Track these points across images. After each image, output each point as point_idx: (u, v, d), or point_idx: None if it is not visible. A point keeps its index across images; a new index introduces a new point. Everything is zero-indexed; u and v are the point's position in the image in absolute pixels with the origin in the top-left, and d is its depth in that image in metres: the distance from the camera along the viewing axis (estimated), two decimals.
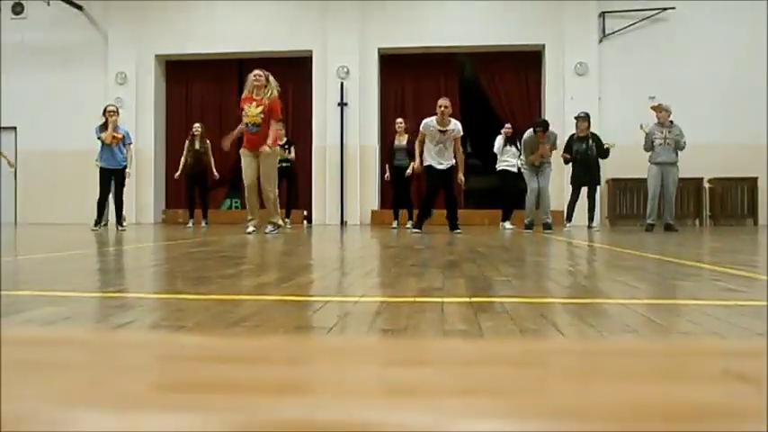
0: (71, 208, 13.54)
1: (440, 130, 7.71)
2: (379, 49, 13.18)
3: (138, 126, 13.26)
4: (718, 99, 12.25)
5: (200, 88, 14.25)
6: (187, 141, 11.17)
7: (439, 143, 7.73)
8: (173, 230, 8.84)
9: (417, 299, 1.89)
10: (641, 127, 9.31)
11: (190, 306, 1.77)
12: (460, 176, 7.93)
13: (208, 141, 10.97)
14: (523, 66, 13.34)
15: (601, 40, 12.69)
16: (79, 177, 13.23)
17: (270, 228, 7.23)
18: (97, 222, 8.95)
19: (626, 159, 11.45)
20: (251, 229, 7.22)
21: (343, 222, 12.95)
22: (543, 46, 12.87)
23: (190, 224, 10.93)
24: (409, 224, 9.73)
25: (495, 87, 13.35)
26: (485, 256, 3.66)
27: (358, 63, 13.08)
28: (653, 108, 9.08)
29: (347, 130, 13.08)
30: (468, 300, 1.86)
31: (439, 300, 1.86)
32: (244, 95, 7.38)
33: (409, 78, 13.55)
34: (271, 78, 7.32)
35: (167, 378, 0.57)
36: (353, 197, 13.05)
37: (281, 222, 7.43)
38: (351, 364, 0.63)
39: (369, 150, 13.11)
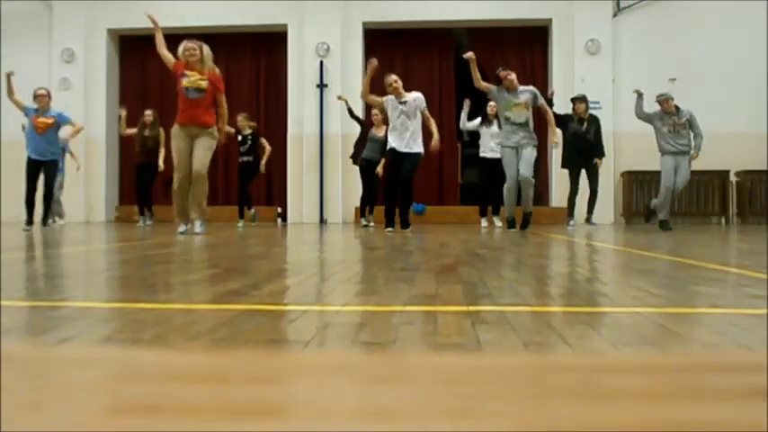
0: (7, 204, 13.40)
1: (399, 102, 7.64)
2: (363, 23, 13.16)
3: (87, 111, 13.16)
4: (747, 83, 12.35)
5: (158, 68, 14.12)
6: (137, 129, 11.05)
7: (401, 115, 7.61)
8: (127, 230, 8.79)
9: (407, 308, 1.89)
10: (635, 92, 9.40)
11: (147, 317, 1.76)
12: (435, 139, 7.81)
13: (161, 129, 10.90)
14: (528, 43, 13.39)
15: (615, 15, 12.76)
16: (17, 169, 13.10)
17: (198, 226, 6.98)
18: (28, 222, 8.79)
19: (643, 150, 11.52)
20: (182, 228, 6.97)
21: (322, 221, 12.94)
22: (550, 21, 12.92)
23: (141, 222, 10.83)
24: (363, 221, 10.01)
25: (497, 67, 13.37)
26: (483, 259, 3.67)
27: (339, 39, 13.05)
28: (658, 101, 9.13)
29: (327, 116, 13.06)
30: (464, 309, 1.86)
31: (432, 309, 1.86)
32: (175, 62, 7.06)
33: (399, 56, 13.54)
34: (205, 50, 6.96)
35: (120, 400, 0.56)
36: (335, 192, 13.04)
37: (207, 217, 7.21)
38: (330, 382, 0.63)
39: (352, 139, 13.08)
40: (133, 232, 7.99)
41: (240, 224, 10.49)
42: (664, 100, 9.01)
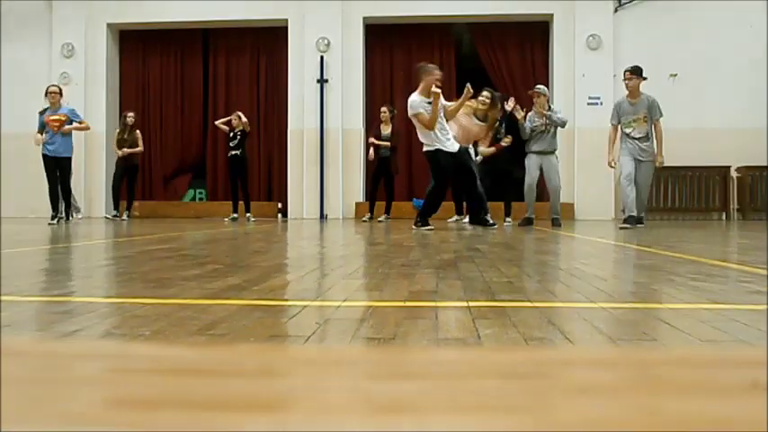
0: (12, 198, 13.40)
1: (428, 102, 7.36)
2: (364, 18, 13.14)
3: (87, 105, 13.15)
4: (749, 78, 12.32)
5: (158, 62, 14.15)
6: (117, 130, 11.69)
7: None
8: (127, 225, 8.80)
9: (408, 303, 1.89)
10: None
11: (147, 312, 1.76)
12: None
13: (138, 132, 11.49)
14: (529, 38, 13.36)
15: (616, 10, 12.73)
16: (19, 163, 13.11)
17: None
18: (54, 216, 9.11)
19: None
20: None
21: (323, 216, 12.94)
22: (551, 16, 12.90)
23: (114, 214, 11.25)
24: (382, 217, 10.28)
25: (497, 62, 13.36)
26: (484, 255, 3.67)
27: (340, 34, 13.03)
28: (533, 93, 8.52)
29: (328, 111, 13.05)
30: (465, 304, 1.87)
31: (432, 304, 1.87)
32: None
33: (399, 52, 13.52)
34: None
35: (120, 393, 0.56)
36: (335, 188, 13.03)
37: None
38: (331, 377, 0.63)
39: (353, 134, 13.09)
40: (134, 228, 7.99)
41: (231, 217, 11.04)
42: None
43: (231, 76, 14.02)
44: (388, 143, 10.34)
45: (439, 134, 7.27)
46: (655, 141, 7.81)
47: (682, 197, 12.19)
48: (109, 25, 13.65)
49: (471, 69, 13.86)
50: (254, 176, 13.27)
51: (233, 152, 11.13)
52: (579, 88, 12.34)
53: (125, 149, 11.21)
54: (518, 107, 8.41)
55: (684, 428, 0.47)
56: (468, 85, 7.37)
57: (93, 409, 0.52)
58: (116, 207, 11.36)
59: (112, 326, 1.57)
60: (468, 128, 8.46)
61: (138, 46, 14.09)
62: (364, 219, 10.65)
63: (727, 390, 0.59)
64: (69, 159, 9.20)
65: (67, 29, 13.48)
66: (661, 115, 7.81)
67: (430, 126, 7.21)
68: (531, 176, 8.46)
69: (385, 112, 10.42)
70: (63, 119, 8.96)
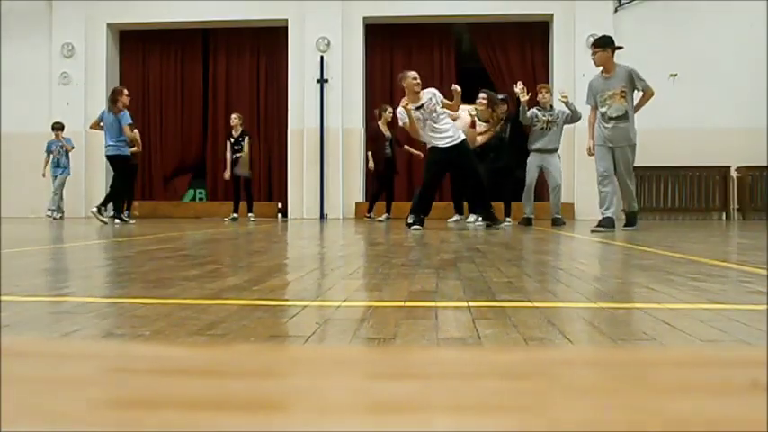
0: (12, 198, 13.40)
1: (416, 107, 7.34)
2: (364, 18, 13.14)
3: (87, 105, 13.17)
4: (750, 78, 12.32)
5: (158, 62, 14.15)
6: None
7: (425, 120, 7.36)
8: (127, 225, 8.79)
9: (408, 303, 1.89)
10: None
11: (147, 312, 1.76)
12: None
13: (136, 132, 11.48)
14: (529, 38, 13.36)
15: (616, 10, 12.73)
16: (18, 163, 13.12)
17: None
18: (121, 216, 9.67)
19: (639, 146, 11.48)
20: None
21: (323, 216, 12.94)
22: (551, 16, 12.90)
23: (111, 215, 10.86)
24: (383, 217, 10.47)
25: (497, 62, 13.37)
26: (484, 255, 3.67)
27: (340, 34, 13.03)
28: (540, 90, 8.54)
29: (328, 111, 13.05)
30: (465, 304, 1.87)
31: (432, 304, 1.87)
32: None
33: (399, 52, 13.52)
34: None
35: (119, 393, 0.56)
36: (335, 188, 13.04)
37: None
38: (331, 376, 0.63)
39: (353, 134, 13.09)
40: (134, 228, 7.99)
41: (232, 217, 11.19)
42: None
43: (231, 76, 14.03)
44: (389, 134, 10.54)
45: (430, 133, 7.36)
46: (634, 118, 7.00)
47: (682, 197, 12.19)
48: (109, 25, 13.65)
49: (471, 69, 13.88)
50: (254, 176, 13.30)
51: (238, 155, 11.30)
52: (579, 88, 12.33)
53: None
54: (524, 89, 8.22)
55: (684, 428, 0.47)
56: (455, 87, 7.42)
57: (94, 409, 0.52)
58: (115, 208, 11.36)
59: (112, 326, 1.57)
60: (467, 134, 8.33)
61: (138, 46, 14.09)
62: (367, 216, 10.80)
63: (727, 390, 0.59)
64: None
65: (67, 29, 13.48)
66: (647, 85, 6.87)
67: (414, 134, 7.54)
68: (529, 177, 8.48)
69: (390, 113, 10.57)
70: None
